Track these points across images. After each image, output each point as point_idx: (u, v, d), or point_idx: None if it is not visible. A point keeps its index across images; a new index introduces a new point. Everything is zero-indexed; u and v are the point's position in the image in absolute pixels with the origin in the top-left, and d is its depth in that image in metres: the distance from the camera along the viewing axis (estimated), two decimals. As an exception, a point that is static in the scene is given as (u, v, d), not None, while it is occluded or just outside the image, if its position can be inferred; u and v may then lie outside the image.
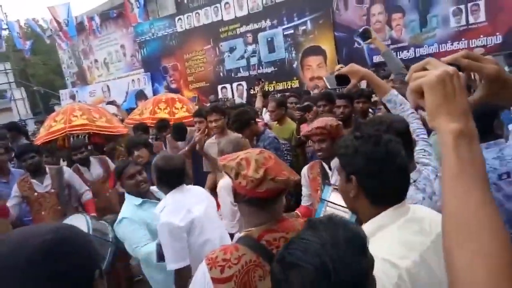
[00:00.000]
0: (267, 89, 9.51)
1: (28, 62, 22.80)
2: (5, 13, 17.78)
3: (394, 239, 1.17)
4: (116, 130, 5.34)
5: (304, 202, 2.72)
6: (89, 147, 5.21)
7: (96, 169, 4.29)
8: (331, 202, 2.12)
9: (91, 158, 4.36)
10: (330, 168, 2.55)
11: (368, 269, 0.90)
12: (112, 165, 4.35)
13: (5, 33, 15.14)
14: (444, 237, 0.68)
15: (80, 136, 5.15)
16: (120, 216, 2.62)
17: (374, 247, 0.95)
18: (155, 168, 2.42)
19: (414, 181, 1.64)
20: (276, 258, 0.95)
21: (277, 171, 1.35)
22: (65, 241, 0.84)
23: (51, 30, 13.13)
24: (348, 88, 2.10)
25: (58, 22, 12.74)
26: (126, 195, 2.74)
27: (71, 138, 5.13)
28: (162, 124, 5.29)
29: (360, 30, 3.33)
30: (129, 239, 2.54)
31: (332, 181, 2.47)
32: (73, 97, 15.57)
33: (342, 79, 2.01)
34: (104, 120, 5.33)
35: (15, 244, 0.80)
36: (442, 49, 7.16)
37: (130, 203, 2.67)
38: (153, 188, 2.83)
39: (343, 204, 2.09)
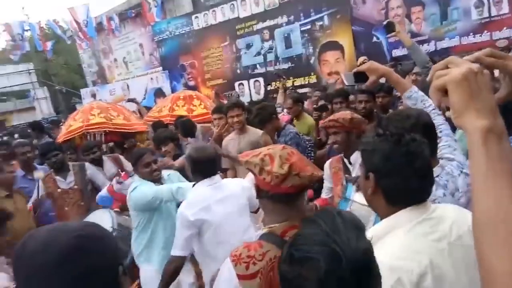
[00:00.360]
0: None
1: (50, 62, 23.33)
2: (26, 15, 18.21)
3: (401, 242, 1.16)
4: (133, 128, 5.43)
5: (324, 194, 2.74)
6: (108, 145, 5.33)
7: (110, 168, 4.36)
8: (355, 202, 2.14)
9: (104, 158, 4.45)
10: (350, 163, 2.57)
11: (371, 248, 0.92)
12: (126, 163, 4.44)
13: (27, 34, 15.54)
14: (477, 238, 0.66)
15: (96, 135, 5.26)
16: (132, 187, 2.82)
17: (379, 251, 0.96)
18: (188, 159, 2.50)
19: (436, 177, 1.63)
20: (282, 259, 0.96)
21: (302, 167, 1.35)
22: (92, 238, 0.86)
23: (71, 31, 13.39)
24: (366, 85, 2.11)
25: (78, 23, 12.99)
26: (138, 179, 2.95)
27: (88, 137, 5.25)
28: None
29: (384, 23, 3.33)
30: (149, 192, 2.77)
31: (353, 175, 2.49)
32: (94, 95, 15.87)
33: (360, 76, 2.00)
34: (122, 117, 5.44)
35: (45, 242, 0.82)
36: (463, 42, 6.99)
37: (141, 182, 2.90)
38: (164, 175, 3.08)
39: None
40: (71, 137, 5.32)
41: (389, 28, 3.21)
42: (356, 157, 2.50)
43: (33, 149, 4.89)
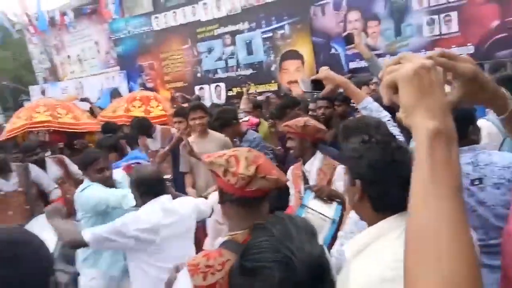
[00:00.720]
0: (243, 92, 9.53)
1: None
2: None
3: (392, 249, 1.11)
4: (82, 127, 5.19)
5: (293, 202, 2.76)
6: (58, 146, 5.06)
7: (53, 171, 4.14)
8: (310, 208, 2.14)
9: (47, 159, 4.22)
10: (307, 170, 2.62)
11: (325, 254, 0.91)
12: (70, 164, 4.26)
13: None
14: (408, 251, 0.59)
15: (40, 134, 4.99)
16: (81, 187, 2.77)
17: (368, 260, 0.94)
18: (131, 183, 2.39)
19: None
20: (232, 272, 0.92)
21: (268, 169, 1.32)
22: (17, 245, 0.79)
23: (21, 24, 12.64)
24: (323, 93, 2.14)
25: (28, 16, 12.27)
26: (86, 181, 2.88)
27: (31, 136, 4.97)
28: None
29: (344, 34, 3.46)
30: (97, 195, 2.72)
31: (310, 182, 2.52)
32: (43, 92, 15.07)
33: (317, 85, 2.05)
34: (71, 116, 5.17)
35: None
36: (415, 57, 7.35)
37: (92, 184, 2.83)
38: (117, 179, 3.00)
39: (323, 211, 2.12)
40: (13, 135, 5.01)
41: (349, 40, 3.28)
42: (311, 164, 2.58)
43: None
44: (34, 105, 5.40)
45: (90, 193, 2.76)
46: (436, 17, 7.02)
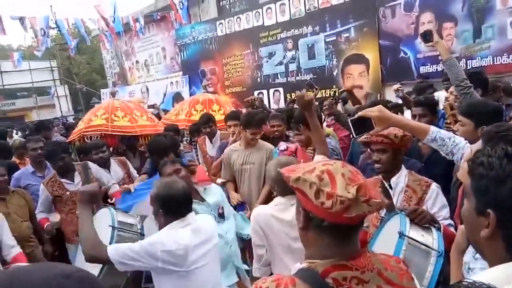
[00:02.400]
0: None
1: (72, 61, 23.75)
2: (54, 13, 18.57)
3: None
4: (138, 131, 5.07)
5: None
6: (121, 147, 5.08)
7: (117, 172, 4.16)
8: (412, 239, 1.71)
9: (111, 160, 4.25)
10: (391, 187, 2.21)
11: None
12: (131, 168, 4.27)
13: (52, 32, 15.80)
14: None
15: (91, 137, 4.98)
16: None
17: None
18: (155, 198, 2.11)
19: None
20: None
21: (371, 191, 1.04)
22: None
23: (98, 29, 13.54)
24: (369, 135, 1.87)
25: (105, 19, 13.12)
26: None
27: (86, 139, 4.98)
28: (193, 128, 5.12)
29: (422, 31, 3.07)
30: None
31: (394, 202, 2.14)
32: (113, 93, 15.95)
33: (364, 124, 1.75)
34: (128, 119, 5.09)
35: None
36: (497, 61, 6.69)
37: None
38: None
39: (426, 241, 1.71)
40: (72, 139, 5.12)
41: (427, 37, 2.98)
42: (398, 180, 2.20)
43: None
44: (96, 108, 5.48)
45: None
46: (522, 17, 6.35)
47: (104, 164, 4.07)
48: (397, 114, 3.31)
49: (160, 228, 2.09)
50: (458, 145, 1.90)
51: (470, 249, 1.28)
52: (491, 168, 0.90)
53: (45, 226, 3.58)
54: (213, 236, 2.21)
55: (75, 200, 3.54)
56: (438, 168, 2.65)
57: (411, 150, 2.69)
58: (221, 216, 2.77)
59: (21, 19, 11.29)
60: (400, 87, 4.53)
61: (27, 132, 9.20)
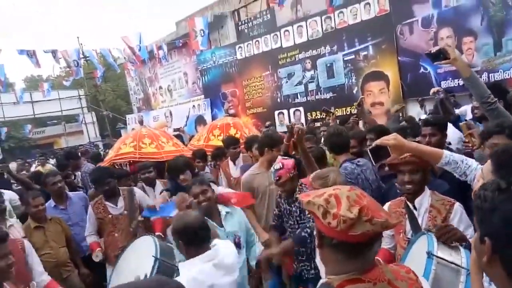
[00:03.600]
0: (324, 116, 9.38)
1: (99, 88, 24.66)
2: (81, 44, 19.51)
3: None
4: (164, 156, 5.17)
5: (385, 244, 2.35)
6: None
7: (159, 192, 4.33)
8: (441, 258, 1.72)
9: (157, 181, 4.43)
10: (415, 208, 2.21)
11: None
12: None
13: (81, 61, 16.53)
14: None
15: (121, 165, 5.19)
16: None
17: None
18: (174, 234, 2.17)
19: None
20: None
21: (374, 211, 1.16)
22: None
23: (124, 58, 14.13)
24: (386, 162, 1.90)
25: (131, 48, 13.68)
26: None
27: (115, 166, 5.18)
28: (218, 152, 5.25)
29: (432, 50, 2.79)
30: None
31: (420, 222, 2.14)
32: (141, 122, 16.43)
33: (381, 152, 1.81)
34: (154, 145, 5.31)
35: None
36: (519, 74, 6.61)
37: None
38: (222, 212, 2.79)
39: (455, 259, 1.73)
40: (121, 160, 5.34)
41: (437, 56, 2.70)
42: (422, 200, 2.19)
43: (68, 177, 4.99)
44: (125, 136, 5.73)
45: None
46: (544, 28, 6.28)
47: (150, 183, 4.34)
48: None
49: (186, 258, 2.13)
50: (471, 166, 1.90)
51: None
52: (484, 199, 0.99)
53: (95, 252, 3.70)
54: (235, 270, 2.19)
55: (115, 224, 3.71)
56: (451, 185, 2.64)
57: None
58: (237, 245, 2.72)
59: (53, 52, 11.91)
60: (439, 89, 4.25)
61: (56, 160, 9.50)
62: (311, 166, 2.78)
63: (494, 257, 0.98)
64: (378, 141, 1.84)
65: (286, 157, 3.09)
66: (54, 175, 4.27)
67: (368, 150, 1.88)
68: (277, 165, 2.87)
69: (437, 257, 1.72)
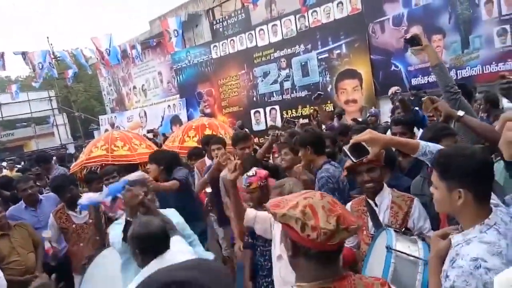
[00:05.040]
0: (300, 114, 9.45)
1: (70, 89, 23.99)
2: (51, 44, 18.92)
3: None
4: (137, 159, 5.06)
5: (347, 242, 2.35)
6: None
7: None
8: (399, 251, 1.79)
9: None
10: (376, 205, 2.25)
11: None
12: None
13: (53, 62, 16.03)
14: None
15: (92, 168, 5.06)
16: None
17: None
18: (131, 238, 2.09)
19: (494, 224, 1.36)
20: None
21: (348, 219, 1.16)
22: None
23: (97, 58, 13.82)
24: (368, 158, 1.87)
25: (100, 52, 13.38)
26: None
27: (86, 170, 5.05)
28: (192, 152, 5.19)
29: (407, 36, 2.91)
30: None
31: (381, 219, 2.19)
32: (112, 124, 16.11)
33: (359, 149, 1.80)
34: (127, 148, 5.21)
35: None
36: (486, 70, 6.85)
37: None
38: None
39: (412, 252, 1.80)
40: (73, 171, 5.18)
41: (414, 41, 2.83)
42: (382, 197, 2.24)
43: (38, 180, 4.81)
44: (96, 139, 5.61)
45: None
46: (508, 26, 6.52)
47: None
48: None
49: (139, 266, 2.07)
50: None
51: (448, 257, 1.35)
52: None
53: (50, 253, 3.59)
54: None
55: (80, 233, 3.59)
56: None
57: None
58: None
59: (23, 54, 11.52)
60: (397, 90, 4.42)
61: (24, 164, 9.19)
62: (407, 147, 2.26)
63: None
64: (353, 139, 1.84)
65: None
66: (26, 181, 4.14)
67: (345, 149, 1.88)
68: (250, 172, 2.85)
69: (396, 250, 1.78)
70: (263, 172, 2.89)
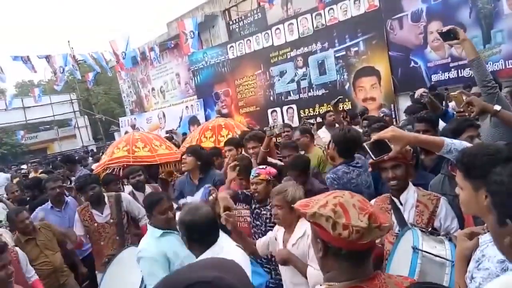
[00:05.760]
0: (317, 112, 9.41)
1: (91, 92, 24.51)
2: (71, 48, 19.35)
3: None
4: (158, 159, 5.22)
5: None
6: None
7: None
8: (426, 252, 1.76)
9: (146, 186, 4.41)
10: (401, 203, 2.23)
11: None
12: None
13: (73, 66, 16.40)
14: None
15: (114, 169, 5.16)
16: (139, 252, 2.44)
17: None
18: (181, 226, 2.06)
19: None
20: None
21: (380, 217, 1.14)
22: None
23: (116, 61, 14.10)
24: (389, 156, 1.84)
25: (117, 55, 13.62)
26: (148, 226, 2.63)
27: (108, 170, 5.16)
28: (211, 153, 5.21)
29: (444, 29, 2.82)
30: (149, 279, 2.34)
31: (406, 218, 2.18)
32: (133, 126, 16.37)
33: (381, 147, 1.78)
34: (148, 149, 5.29)
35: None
36: (509, 65, 6.68)
37: (151, 235, 2.54)
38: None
39: (440, 252, 1.76)
40: (97, 171, 5.29)
41: (449, 35, 2.74)
42: (407, 196, 2.21)
43: (64, 182, 4.97)
44: (118, 141, 5.74)
45: (146, 270, 2.40)
46: (532, 19, 6.34)
47: (141, 188, 4.29)
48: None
49: (191, 252, 2.07)
50: None
51: (474, 258, 1.34)
52: (501, 183, 1.03)
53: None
54: (245, 266, 2.11)
55: (101, 232, 3.69)
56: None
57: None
58: None
59: (47, 58, 11.83)
60: (425, 92, 4.33)
61: (50, 167, 9.48)
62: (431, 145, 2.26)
63: None
64: (375, 136, 1.83)
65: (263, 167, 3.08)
66: (55, 180, 4.31)
67: (366, 146, 1.87)
68: (255, 172, 2.92)
69: (422, 251, 1.75)
70: (274, 170, 2.96)
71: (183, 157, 3.98)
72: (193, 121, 13.46)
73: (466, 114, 2.67)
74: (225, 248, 2.08)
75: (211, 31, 13.33)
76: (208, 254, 1.94)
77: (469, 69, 7.07)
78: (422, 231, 1.91)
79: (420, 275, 1.69)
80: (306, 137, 4.35)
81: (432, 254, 1.74)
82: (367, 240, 1.11)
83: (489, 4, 6.76)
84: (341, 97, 6.23)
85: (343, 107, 8.43)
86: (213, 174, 3.93)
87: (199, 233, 1.99)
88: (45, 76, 30.82)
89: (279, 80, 10.59)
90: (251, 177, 2.92)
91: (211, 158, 4.26)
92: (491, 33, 6.82)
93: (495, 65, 6.84)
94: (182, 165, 3.97)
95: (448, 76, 7.30)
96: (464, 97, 2.37)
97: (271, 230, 2.67)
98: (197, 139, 6.11)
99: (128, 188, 4.45)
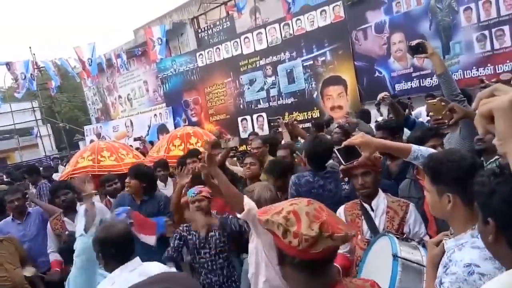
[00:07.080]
0: (286, 121, 9.49)
1: (54, 99, 23.67)
2: (33, 54, 18.62)
3: None
4: (124, 169, 5.05)
5: (340, 249, 2.30)
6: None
7: None
8: (405, 259, 1.75)
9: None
10: (372, 209, 2.25)
11: None
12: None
13: (35, 73, 15.82)
14: None
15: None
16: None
17: None
18: (95, 244, 2.06)
19: None
20: None
21: (334, 226, 1.13)
22: None
23: (81, 68, 13.73)
24: (359, 162, 1.89)
25: (82, 62, 13.29)
26: None
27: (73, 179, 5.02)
28: (182, 161, 5.16)
29: (413, 43, 2.79)
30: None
31: (377, 224, 2.20)
32: (98, 134, 15.93)
33: (351, 152, 1.81)
34: (114, 158, 5.20)
35: None
36: (467, 75, 7.01)
37: None
38: None
39: (417, 259, 1.77)
40: (78, 174, 5.12)
41: (417, 49, 2.74)
42: (378, 202, 2.24)
43: (25, 195, 4.78)
44: (83, 150, 5.62)
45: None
46: (487, 32, 6.70)
47: (115, 196, 4.21)
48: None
49: (105, 270, 2.05)
50: None
51: (442, 263, 1.37)
52: (482, 184, 1.08)
53: (50, 272, 3.56)
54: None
55: (70, 239, 3.56)
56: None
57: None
58: None
59: (8, 64, 11.36)
60: (386, 95, 4.40)
61: (10, 179, 9.04)
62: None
63: (499, 236, 1.05)
64: (346, 142, 1.84)
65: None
66: (13, 193, 4.08)
67: (336, 151, 1.89)
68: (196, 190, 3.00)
69: (402, 258, 1.76)
70: (207, 189, 3.01)
71: (126, 180, 3.82)
72: (162, 129, 13.25)
73: (446, 120, 2.75)
74: (145, 264, 2.07)
75: (180, 38, 13.23)
76: (125, 269, 1.96)
77: (430, 79, 7.40)
78: (397, 237, 1.92)
79: (400, 283, 1.70)
80: (266, 147, 4.45)
81: (411, 261, 1.76)
82: (319, 249, 1.09)
83: (448, 17, 7.09)
84: (279, 117, 6.24)
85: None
86: (158, 196, 3.80)
87: (116, 248, 1.99)
88: (5, 83, 29.54)
89: (248, 88, 10.63)
90: (192, 194, 2.98)
91: (155, 176, 4.17)
92: (450, 45, 7.14)
93: (454, 75, 7.14)
94: (126, 189, 3.83)
95: (411, 86, 7.57)
96: (442, 104, 2.38)
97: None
98: (165, 148, 5.99)
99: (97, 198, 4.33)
